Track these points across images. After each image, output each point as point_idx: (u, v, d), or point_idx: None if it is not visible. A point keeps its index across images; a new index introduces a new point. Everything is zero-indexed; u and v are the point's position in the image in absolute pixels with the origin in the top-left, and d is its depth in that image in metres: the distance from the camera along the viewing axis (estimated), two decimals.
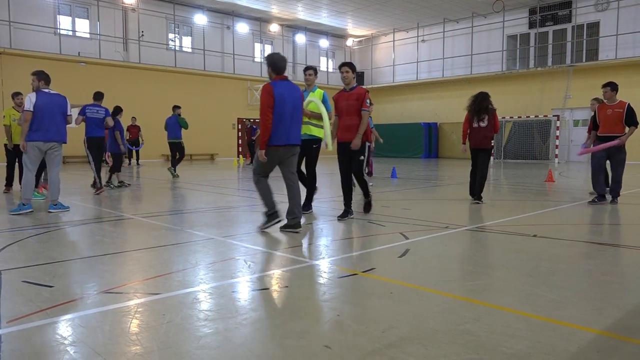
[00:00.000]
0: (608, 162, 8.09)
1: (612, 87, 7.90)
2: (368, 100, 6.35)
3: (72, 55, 21.49)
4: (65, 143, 7.19)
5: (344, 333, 2.65)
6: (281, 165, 5.62)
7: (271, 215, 5.54)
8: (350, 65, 6.48)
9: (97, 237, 5.41)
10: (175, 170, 13.37)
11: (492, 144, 8.62)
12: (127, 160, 20.44)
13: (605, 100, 8.05)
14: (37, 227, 5.91)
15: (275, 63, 5.41)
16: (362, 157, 6.46)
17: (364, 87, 6.15)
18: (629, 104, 7.84)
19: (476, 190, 8.11)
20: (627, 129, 7.83)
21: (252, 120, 24.74)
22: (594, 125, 8.17)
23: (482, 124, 8.08)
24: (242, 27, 27.51)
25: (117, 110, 11.06)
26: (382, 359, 2.33)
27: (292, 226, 5.54)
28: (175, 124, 13.14)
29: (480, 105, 8.08)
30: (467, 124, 8.33)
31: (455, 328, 2.70)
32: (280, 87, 5.29)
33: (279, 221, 5.57)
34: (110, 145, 10.73)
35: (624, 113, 7.74)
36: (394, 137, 28.51)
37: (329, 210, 7.39)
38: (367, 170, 13.58)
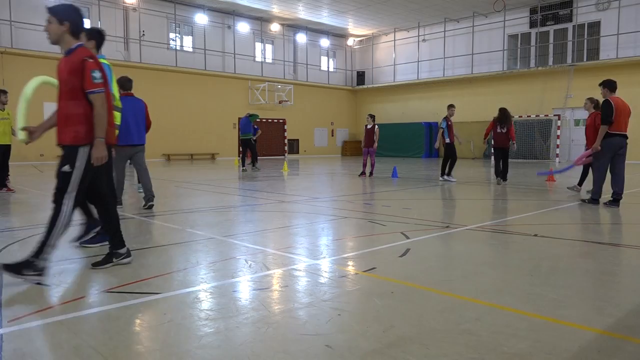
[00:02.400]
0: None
1: (602, 85, 7.75)
2: (96, 73, 3.66)
3: None
4: None
5: (345, 333, 2.65)
6: (131, 160, 7.33)
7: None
8: (53, 11, 3.68)
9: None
10: (255, 165, 16.17)
11: (510, 144, 11.67)
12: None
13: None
14: (38, 226, 5.91)
15: (123, 84, 7.16)
16: (66, 169, 3.62)
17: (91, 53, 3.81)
18: (605, 99, 7.55)
19: (504, 175, 11.42)
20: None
21: None
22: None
23: (503, 130, 11.47)
24: (243, 27, 27.51)
25: None
26: (383, 358, 2.33)
27: (148, 200, 7.25)
28: (247, 124, 16.02)
29: (504, 117, 11.47)
30: (492, 128, 11.67)
31: (456, 328, 2.69)
32: (124, 102, 6.86)
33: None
34: None
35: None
36: (394, 137, 28.54)
37: (329, 210, 7.39)
38: (369, 171, 13.70)
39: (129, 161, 7.37)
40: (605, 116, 7.43)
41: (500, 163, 11.49)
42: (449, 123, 12.20)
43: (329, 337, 2.58)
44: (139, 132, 7.27)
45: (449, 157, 12.22)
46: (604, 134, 7.46)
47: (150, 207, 7.27)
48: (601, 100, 7.82)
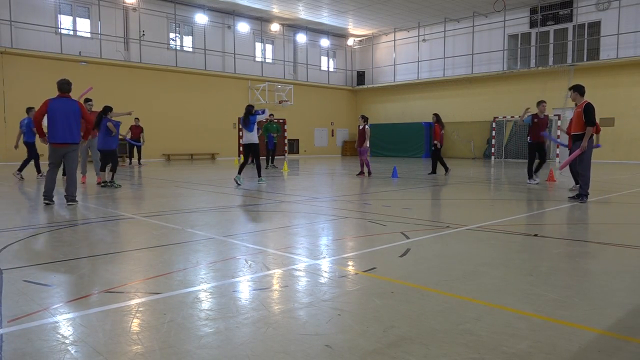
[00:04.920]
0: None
1: (574, 89, 8.35)
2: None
3: (73, 54, 21.50)
4: None
5: (345, 333, 2.65)
6: (64, 158, 7.63)
7: (48, 201, 7.50)
8: None
9: (97, 236, 5.42)
10: (272, 164, 18.35)
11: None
12: (127, 160, 20.49)
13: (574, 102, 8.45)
14: (38, 226, 5.91)
15: (59, 86, 7.56)
16: None
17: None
18: (587, 103, 8.05)
19: (445, 166, 14.65)
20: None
21: None
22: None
23: (442, 132, 14.82)
24: (243, 27, 27.50)
25: (107, 110, 10.88)
26: (383, 358, 2.33)
27: (70, 201, 7.57)
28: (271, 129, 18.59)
29: (441, 121, 14.85)
30: (439, 131, 14.59)
31: (456, 327, 2.69)
32: (55, 102, 7.44)
33: (50, 205, 7.47)
34: (101, 143, 10.58)
35: (582, 112, 8.02)
36: (395, 137, 28.53)
37: (329, 210, 7.39)
38: (367, 170, 13.80)
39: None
40: (593, 118, 7.95)
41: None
42: (535, 120, 11.27)
43: (329, 337, 2.58)
44: (69, 132, 7.52)
45: (534, 158, 11.47)
46: (590, 135, 7.99)
47: (70, 203, 7.55)
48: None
